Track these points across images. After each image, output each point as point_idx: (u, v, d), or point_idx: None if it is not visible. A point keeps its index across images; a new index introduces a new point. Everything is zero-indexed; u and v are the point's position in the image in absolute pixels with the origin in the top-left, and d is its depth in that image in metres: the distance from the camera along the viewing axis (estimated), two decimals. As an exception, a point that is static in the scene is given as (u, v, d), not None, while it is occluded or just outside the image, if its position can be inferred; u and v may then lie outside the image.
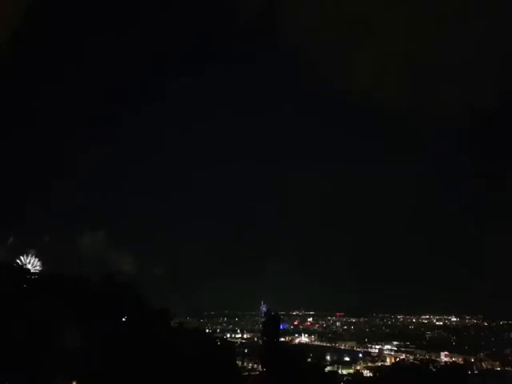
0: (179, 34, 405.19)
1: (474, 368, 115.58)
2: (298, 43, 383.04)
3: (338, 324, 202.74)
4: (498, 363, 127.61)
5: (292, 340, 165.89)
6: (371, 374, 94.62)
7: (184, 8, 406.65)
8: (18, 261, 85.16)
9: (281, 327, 62.58)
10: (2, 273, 47.98)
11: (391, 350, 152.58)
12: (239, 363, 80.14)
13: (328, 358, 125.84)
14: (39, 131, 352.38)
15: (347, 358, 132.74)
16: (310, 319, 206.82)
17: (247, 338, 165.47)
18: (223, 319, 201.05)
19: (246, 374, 75.13)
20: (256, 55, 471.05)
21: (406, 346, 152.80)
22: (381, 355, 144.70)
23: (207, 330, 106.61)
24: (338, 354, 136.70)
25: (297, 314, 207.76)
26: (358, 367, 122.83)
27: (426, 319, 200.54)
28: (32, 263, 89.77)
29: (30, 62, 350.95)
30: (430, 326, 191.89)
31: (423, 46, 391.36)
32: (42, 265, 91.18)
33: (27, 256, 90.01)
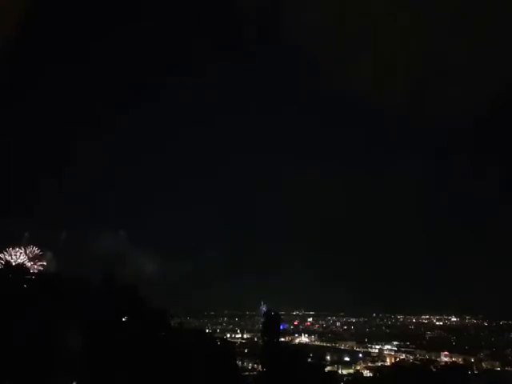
0: (179, 33, 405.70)
1: (474, 368, 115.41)
2: (298, 43, 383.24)
3: (337, 324, 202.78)
4: (497, 363, 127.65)
5: (292, 340, 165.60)
6: (371, 374, 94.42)
7: (184, 7, 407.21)
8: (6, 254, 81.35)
9: (281, 327, 62.35)
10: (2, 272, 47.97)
11: (391, 349, 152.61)
12: (239, 363, 79.92)
13: (328, 358, 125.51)
14: (39, 131, 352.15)
15: (347, 358, 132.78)
16: (310, 319, 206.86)
17: (247, 338, 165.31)
18: (223, 319, 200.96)
19: (246, 374, 74.97)
20: (257, 54, 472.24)
21: (406, 346, 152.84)
22: (381, 355, 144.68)
23: (207, 330, 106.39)
24: (338, 354, 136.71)
25: (297, 314, 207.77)
26: (358, 367, 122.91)
27: (425, 319, 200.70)
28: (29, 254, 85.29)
29: (30, 61, 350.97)
30: (430, 326, 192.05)
31: (423, 47, 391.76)
32: (53, 263, 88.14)
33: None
